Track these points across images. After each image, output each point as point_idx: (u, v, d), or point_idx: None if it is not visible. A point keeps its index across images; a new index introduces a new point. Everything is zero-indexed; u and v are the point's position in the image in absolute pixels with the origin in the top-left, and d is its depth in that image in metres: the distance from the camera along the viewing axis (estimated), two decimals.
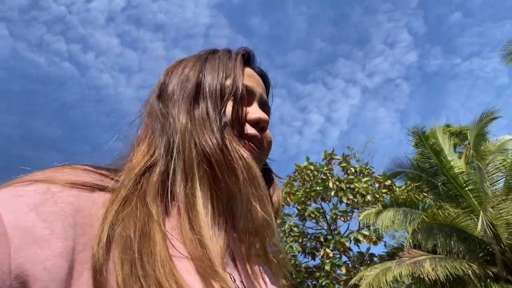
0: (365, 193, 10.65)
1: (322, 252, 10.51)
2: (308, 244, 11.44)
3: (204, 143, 0.52)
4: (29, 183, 0.42)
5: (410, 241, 7.70)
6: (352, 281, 8.87)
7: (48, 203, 0.40)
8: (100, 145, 0.62)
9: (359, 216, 9.67)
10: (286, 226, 11.00)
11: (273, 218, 0.55)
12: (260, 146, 0.63)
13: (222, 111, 0.57)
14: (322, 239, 11.01)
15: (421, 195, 10.02)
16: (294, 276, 11.06)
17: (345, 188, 10.90)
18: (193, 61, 0.64)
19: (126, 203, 0.45)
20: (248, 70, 0.67)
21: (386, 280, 7.85)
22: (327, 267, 10.02)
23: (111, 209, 0.43)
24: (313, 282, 10.94)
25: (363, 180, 11.44)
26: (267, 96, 0.71)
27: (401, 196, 9.34)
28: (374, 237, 9.96)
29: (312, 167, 11.49)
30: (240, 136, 0.59)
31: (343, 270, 10.01)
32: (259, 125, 0.63)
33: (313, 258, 11.41)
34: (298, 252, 11.38)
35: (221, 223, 0.51)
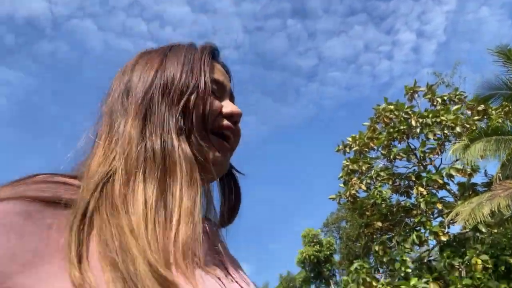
0: (453, 125, 9.92)
1: (415, 191, 10.35)
2: (402, 184, 11.30)
3: (151, 146, 0.51)
4: (1, 201, 0.39)
5: (500, 174, 7.16)
6: (449, 217, 8.70)
7: (27, 223, 0.38)
8: None
9: (450, 150, 9.17)
10: (373, 171, 11.00)
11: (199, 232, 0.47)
12: (235, 138, 0.64)
13: (179, 109, 0.55)
14: (414, 178, 10.77)
15: None
16: (389, 217, 11.19)
17: (431, 123, 10.29)
18: (154, 57, 0.61)
19: (92, 218, 0.43)
20: (216, 65, 0.66)
21: (482, 213, 7.55)
22: (422, 206, 9.90)
23: (74, 228, 0.40)
24: (412, 220, 10.93)
25: (453, 109, 10.59)
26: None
27: (493, 123, 8.52)
28: (469, 170, 9.38)
29: (392, 107, 11.03)
30: (212, 129, 0.59)
31: (439, 207, 9.78)
32: (232, 119, 0.63)
33: (408, 197, 11.29)
34: (392, 194, 11.37)
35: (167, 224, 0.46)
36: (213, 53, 0.66)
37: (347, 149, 11.96)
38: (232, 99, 0.67)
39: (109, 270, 0.38)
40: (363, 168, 11.17)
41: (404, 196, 11.40)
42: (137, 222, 0.44)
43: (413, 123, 10.40)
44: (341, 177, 11.77)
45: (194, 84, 0.58)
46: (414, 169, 11.39)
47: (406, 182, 11.19)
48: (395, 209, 11.31)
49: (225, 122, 0.62)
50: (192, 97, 0.57)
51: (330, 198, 12.33)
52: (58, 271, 0.37)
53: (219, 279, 0.52)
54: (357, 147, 11.52)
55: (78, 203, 0.43)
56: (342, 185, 11.78)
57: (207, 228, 0.62)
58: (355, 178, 11.23)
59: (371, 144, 11.23)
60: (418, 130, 10.51)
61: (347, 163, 11.53)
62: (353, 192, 11.17)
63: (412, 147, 11.35)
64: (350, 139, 11.87)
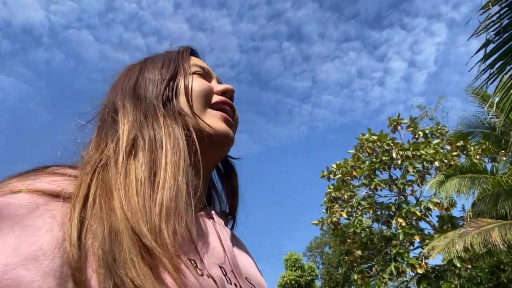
0: (432, 159, 10.20)
1: (394, 222, 10.51)
2: (383, 213, 11.47)
3: (141, 131, 0.54)
4: (10, 194, 0.40)
5: (471, 212, 7.38)
6: (425, 250, 8.84)
7: (34, 216, 0.38)
8: None
9: (427, 184, 9.40)
10: (354, 200, 11.16)
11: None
12: (232, 112, 0.66)
13: (165, 94, 0.59)
14: (394, 209, 10.95)
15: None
16: (369, 246, 11.30)
17: (411, 156, 10.56)
18: (137, 63, 0.67)
19: (87, 204, 0.43)
20: (196, 59, 0.70)
21: (456, 249, 7.72)
22: (401, 237, 10.04)
23: (74, 214, 0.41)
24: (392, 250, 11.04)
25: (433, 143, 10.90)
26: None
27: (471, 160, 8.80)
28: (446, 204, 9.60)
29: (374, 138, 11.30)
30: (208, 105, 0.63)
31: (417, 239, 9.94)
32: (226, 94, 0.66)
33: (389, 227, 11.44)
34: (373, 222, 11.51)
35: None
36: (192, 52, 0.71)
37: (332, 176, 12.15)
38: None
39: (98, 252, 0.39)
40: (345, 196, 11.34)
41: (385, 226, 11.56)
42: (129, 198, 0.45)
43: (394, 155, 10.67)
44: (324, 203, 11.91)
45: (175, 70, 0.63)
46: (395, 199, 11.59)
47: (387, 212, 11.36)
48: (375, 238, 11.43)
49: (219, 97, 0.65)
50: (177, 80, 0.61)
51: (313, 224, 12.42)
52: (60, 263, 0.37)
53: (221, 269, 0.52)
54: (340, 175, 11.71)
55: (78, 186, 0.45)
56: (324, 211, 11.91)
57: (221, 225, 0.61)
58: (337, 206, 11.38)
59: (354, 173, 11.44)
60: (399, 161, 10.77)
61: (330, 190, 11.70)
62: (334, 219, 11.29)
63: (394, 177, 11.59)
64: (334, 166, 12.07)
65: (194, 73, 0.65)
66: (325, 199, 11.87)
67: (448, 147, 11.08)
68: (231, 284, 0.51)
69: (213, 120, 0.61)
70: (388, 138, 11.22)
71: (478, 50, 2.77)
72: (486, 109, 8.40)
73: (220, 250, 0.55)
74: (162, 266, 0.41)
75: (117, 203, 0.44)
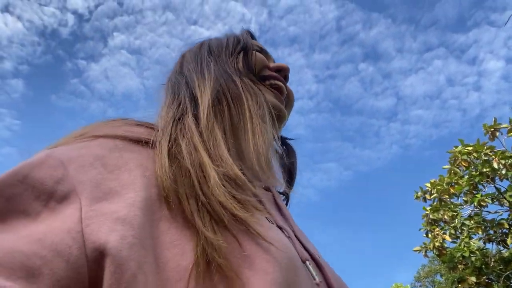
0: None
1: (509, 241, 9.20)
2: (496, 232, 10.12)
3: (215, 87, 0.56)
4: (92, 138, 0.43)
5: None
6: None
7: (113, 156, 0.41)
8: None
9: None
10: (456, 221, 10.11)
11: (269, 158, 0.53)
12: (282, 88, 0.68)
13: (233, 60, 0.64)
14: (507, 226, 9.62)
15: None
16: (485, 270, 9.95)
17: None
18: (201, 42, 0.72)
19: (171, 144, 0.46)
20: (254, 41, 0.75)
21: None
22: None
23: (162, 150, 0.45)
24: None
25: None
26: None
27: None
28: None
29: (469, 149, 10.28)
30: (263, 78, 0.66)
31: None
32: (281, 73, 0.70)
33: (505, 247, 10.01)
34: (485, 243, 10.20)
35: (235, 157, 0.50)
36: (252, 35, 0.76)
37: (427, 196, 11.22)
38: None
39: (182, 188, 0.41)
40: (446, 216, 10.34)
41: (501, 246, 10.13)
42: (218, 148, 0.48)
43: (495, 165, 9.52)
44: (423, 227, 10.97)
45: (243, 43, 0.68)
46: (508, 215, 10.18)
47: (500, 230, 10.00)
48: (491, 261, 10.06)
49: (273, 73, 0.69)
50: (242, 52, 0.66)
51: (415, 250, 11.46)
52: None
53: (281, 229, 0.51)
54: (436, 194, 10.79)
55: (161, 130, 0.49)
56: (425, 235, 10.95)
57: (276, 196, 0.62)
58: (437, 229, 10.40)
59: (452, 190, 10.44)
60: (503, 171, 9.56)
61: (427, 211, 10.79)
62: (437, 244, 10.30)
63: (503, 189, 10.24)
64: (429, 184, 11.17)
65: (254, 50, 0.70)
66: (423, 222, 10.95)
67: None
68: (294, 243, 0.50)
69: (267, 94, 0.65)
70: (485, 147, 10.12)
71: None
72: None
73: (281, 219, 0.55)
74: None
75: (201, 148, 0.47)
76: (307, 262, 0.49)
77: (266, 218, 0.48)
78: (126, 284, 0.31)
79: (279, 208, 0.59)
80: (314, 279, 0.48)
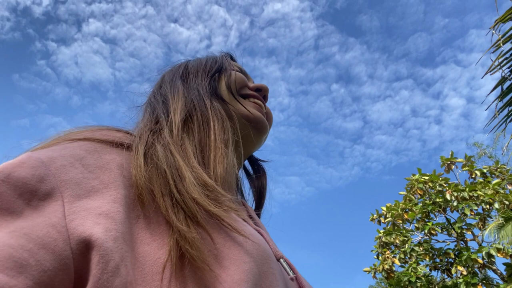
0: (491, 201, 9.37)
1: (453, 270, 9.60)
2: (440, 260, 10.53)
3: (188, 107, 0.60)
4: (72, 140, 0.45)
5: None
6: None
7: (93, 157, 0.42)
8: None
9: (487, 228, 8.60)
10: (406, 246, 10.44)
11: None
12: (261, 106, 0.71)
13: (209, 80, 0.67)
14: (453, 255, 10.04)
15: None
16: None
17: (468, 198, 9.79)
18: (182, 62, 0.76)
19: (148, 148, 0.49)
20: (234, 62, 0.78)
21: None
22: (462, 287, 9.11)
23: (138, 151, 0.47)
24: None
25: (493, 183, 10.05)
26: None
27: None
28: (511, 250, 8.63)
29: (425, 178, 10.70)
30: (242, 97, 0.69)
31: None
32: (261, 92, 0.72)
33: (450, 276, 10.44)
34: (431, 270, 10.58)
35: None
36: (231, 57, 0.79)
37: (382, 219, 11.54)
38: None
39: (158, 186, 0.43)
40: (397, 241, 10.66)
41: (445, 274, 10.55)
42: (189, 159, 0.50)
43: (448, 196, 9.96)
44: (375, 248, 11.26)
45: (219, 65, 0.71)
46: (455, 245, 10.65)
47: (446, 259, 10.42)
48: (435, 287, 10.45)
49: (253, 92, 0.71)
50: (221, 73, 0.69)
51: (365, 271, 11.71)
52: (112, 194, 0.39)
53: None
54: (390, 218, 11.11)
55: (138, 136, 0.52)
56: (376, 257, 11.23)
57: (249, 210, 0.66)
58: (388, 252, 10.70)
59: (405, 216, 10.79)
60: (455, 203, 10.01)
61: (380, 234, 11.09)
62: (386, 266, 10.58)
63: (452, 220, 10.72)
64: (384, 208, 11.50)
65: (233, 70, 0.73)
66: (376, 244, 11.23)
67: (510, 187, 10.13)
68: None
69: (249, 107, 0.68)
70: (440, 178, 10.56)
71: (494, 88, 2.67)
72: None
73: (255, 227, 0.58)
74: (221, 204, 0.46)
75: (176, 154, 0.50)
76: (281, 260, 0.53)
77: (242, 219, 0.51)
78: (111, 273, 0.33)
79: (253, 220, 0.62)
80: (289, 274, 0.52)
